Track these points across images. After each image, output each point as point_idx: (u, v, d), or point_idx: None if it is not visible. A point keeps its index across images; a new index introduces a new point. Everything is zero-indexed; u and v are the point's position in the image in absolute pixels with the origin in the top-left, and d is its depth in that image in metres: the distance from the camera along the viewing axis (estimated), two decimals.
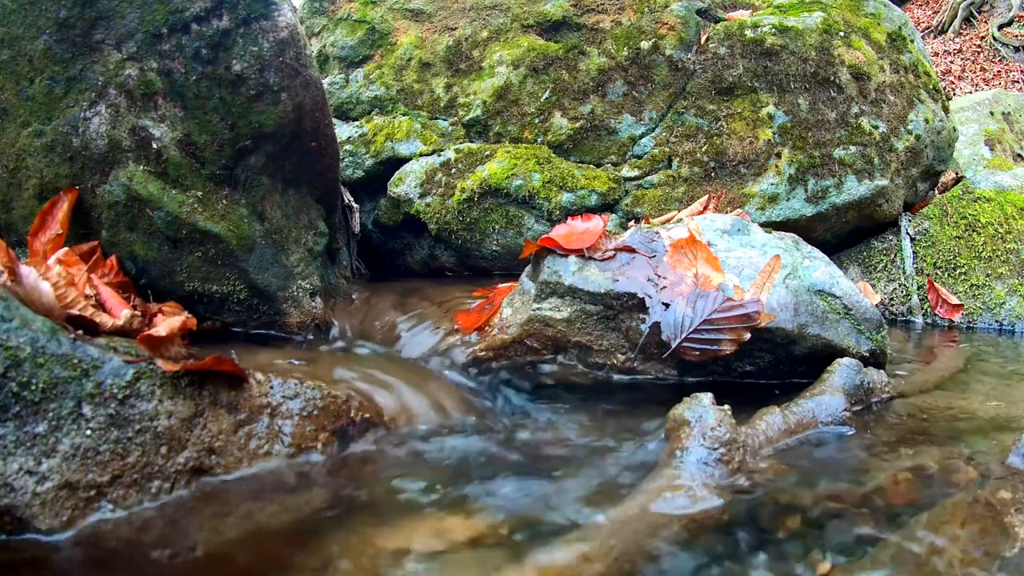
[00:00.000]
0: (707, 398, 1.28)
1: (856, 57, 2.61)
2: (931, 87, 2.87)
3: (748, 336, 1.56)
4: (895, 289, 2.70)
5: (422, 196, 2.54)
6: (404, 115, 2.73)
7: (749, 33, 2.58)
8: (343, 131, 2.72)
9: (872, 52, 2.68)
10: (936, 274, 2.70)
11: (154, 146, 1.63)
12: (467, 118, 2.67)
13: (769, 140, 2.51)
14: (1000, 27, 11.16)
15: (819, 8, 2.72)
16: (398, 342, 1.82)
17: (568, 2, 2.77)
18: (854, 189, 2.51)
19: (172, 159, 1.64)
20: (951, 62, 10.87)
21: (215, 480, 1.19)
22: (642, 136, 2.60)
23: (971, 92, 8.96)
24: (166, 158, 1.64)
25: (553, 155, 2.56)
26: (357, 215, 2.39)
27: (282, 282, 1.79)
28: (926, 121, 2.73)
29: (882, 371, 1.63)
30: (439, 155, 2.60)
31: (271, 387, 1.31)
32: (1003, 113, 4.42)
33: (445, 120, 2.71)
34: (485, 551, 0.99)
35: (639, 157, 2.58)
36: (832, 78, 2.56)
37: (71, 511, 1.06)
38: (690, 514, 1.06)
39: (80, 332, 1.19)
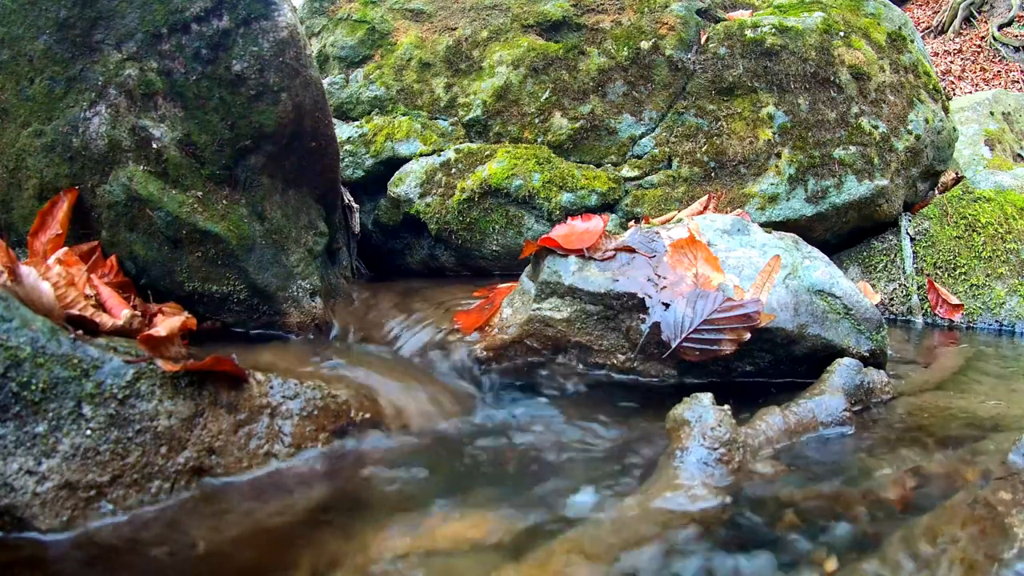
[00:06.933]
0: (707, 398, 1.28)
1: (856, 57, 2.61)
2: (931, 87, 2.87)
3: (748, 336, 1.56)
4: (895, 289, 2.70)
5: (422, 196, 2.54)
6: (404, 115, 2.73)
7: (749, 33, 2.58)
8: (343, 131, 2.72)
9: (872, 52, 2.68)
10: (936, 274, 2.70)
11: (154, 146, 1.63)
12: (467, 118, 2.67)
13: (769, 140, 2.51)
14: (1000, 27, 11.16)
15: (819, 8, 2.72)
16: (398, 342, 1.82)
17: (568, 2, 2.77)
18: (854, 189, 2.51)
19: (172, 159, 1.64)
20: (951, 62, 10.87)
21: (215, 480, 1.19)
22: (642, 136, 2.59)
23: (971, 92, 8.95)
24: (166, 158, 1.64)
25: (553, 155, 2.56)
26: (357, 215, 2.39)
27: (282, 282, 1.78)
28: (926, 121, 2.73)
29: (882, 371, 1.62)
30: (439, 155, 2.60)
31: (271, 387, 1.31)
32: (1003, 113, 4.42)
33: (445, 120, 2.71)
34: (485, 550, 0.99)
35: (639, 157, 2.58)
36: (832, 78, 2.56)
37: (71, 511, 1.06)
38: (690, 514, 1.06)
39: (80, 332, 1.19)
